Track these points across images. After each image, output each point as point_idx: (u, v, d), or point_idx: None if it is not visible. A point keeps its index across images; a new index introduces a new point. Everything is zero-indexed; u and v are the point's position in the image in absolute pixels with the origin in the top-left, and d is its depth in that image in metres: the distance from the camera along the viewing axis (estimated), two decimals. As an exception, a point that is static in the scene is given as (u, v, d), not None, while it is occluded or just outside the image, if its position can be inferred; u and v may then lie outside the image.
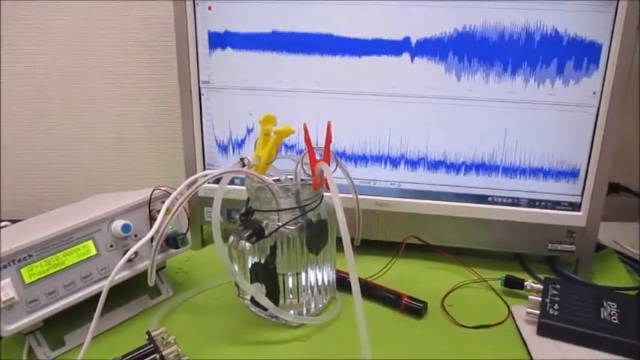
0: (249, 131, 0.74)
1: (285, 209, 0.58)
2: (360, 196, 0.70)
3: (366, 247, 0.72)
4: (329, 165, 0.59)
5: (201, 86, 0.73)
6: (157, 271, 0.66)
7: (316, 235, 0.60)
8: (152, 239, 0.58)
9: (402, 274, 0.71)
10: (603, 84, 0.64)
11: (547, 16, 0.63)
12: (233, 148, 0.75)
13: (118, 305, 0.64)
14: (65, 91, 0.90)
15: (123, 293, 0.63)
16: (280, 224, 0.57)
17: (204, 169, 0.76)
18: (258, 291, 0.58)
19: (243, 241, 0.56)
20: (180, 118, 0.75)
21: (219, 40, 0.71)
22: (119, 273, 0.58)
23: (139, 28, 0.86)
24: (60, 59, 0.89)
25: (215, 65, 0.72)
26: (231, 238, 0.57)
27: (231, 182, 0.66)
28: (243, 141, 0.75)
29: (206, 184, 0.75)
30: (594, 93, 0.65)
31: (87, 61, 0.89)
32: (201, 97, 0.74)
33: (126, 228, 0.59)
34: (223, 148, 0.75)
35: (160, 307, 0.65)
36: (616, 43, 0.62)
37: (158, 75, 0.88)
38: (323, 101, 0.71)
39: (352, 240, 0.67)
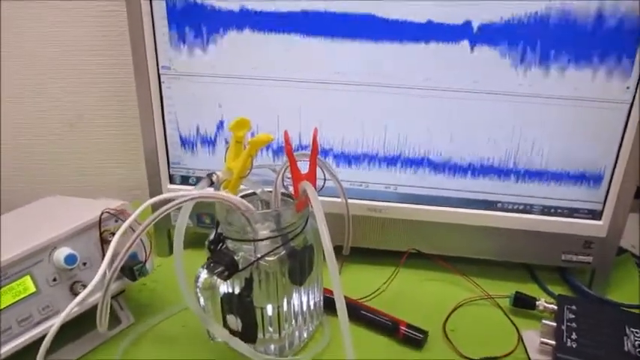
0: (219, 126, 0.63)
1: (263, 239, 0.48)
2: (350, 201, 0.60)
3: (357, 254, 0.64)
4: (315, 182, 0.49)
5: (160, 72, 0.61)
6: (114, 297, 0.57)
7: (301, 265, 0.51)
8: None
9: (400, 288, 0.63)
10: (640, 78, 0.54)
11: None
12: (201, 144, 0.64)
13: (69, 340, 0.54)
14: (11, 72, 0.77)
15: (73, 325, 0.54)
16: (257, 257, 0.48)
17: (169, 168, 0.65)
18: (231, 336, 0.49)
19: (213, 278, 0.47)
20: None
21: (181, 18, 0.58)
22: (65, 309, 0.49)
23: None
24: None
25: (176, 47, 0.60)
26: (199, 273, 0.48)
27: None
28: (212, 137, 0.63)
29: (171, 185, 0.66)
30: (628, 88, 0.55)
31: (34, 37, 0.75)
32: (162, 85, 0.62)
33: (71, 259, 0.49)
34: (190, 145, 0.64)
35: (121, 338, 0.56)
36: (659, 30, 0.52)
37: (113, 51, 0.75)
38: (306, 92, 0.60)
39: (340, 248, 0.59)
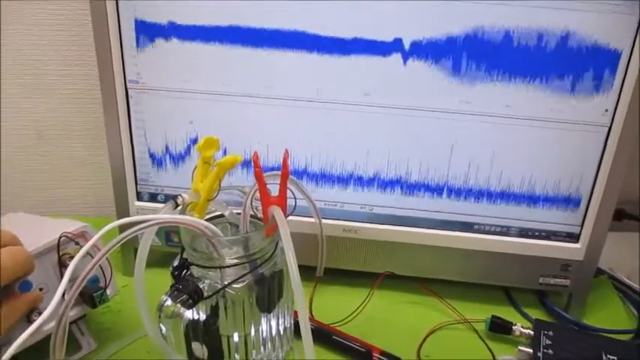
0: (190, 143, 0.61)
1: (230, 266, 0.46)
2: (325, 221, 0.58)
3: (332, 275, 0.62)
4: (285, 207, 0.47)
5: (128, 87, 0.59)
6: (74, 322, 0.54)
7: (270, 291, 0.49)
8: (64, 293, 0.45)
9: (374, 312, 0.61)
10: (618, 101, 0.53)
11: (556, 17, 0.51)
12: (171, 162, 0.62)
13: (24, 370, 0.51)
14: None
15: (29, 353, 0.51)
16: (224, 284, 0.46)
17: (136, 185, 0.63)
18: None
19: (177, 307, 0.45)
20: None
21: (149, 29, 0.56)
22: (18, 338, 0.46)
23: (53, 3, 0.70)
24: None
25: (145, 61, 0.58)
26: (162, 301, 0.45)
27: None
28: (182, 155, 0.61)
29: (138, 203, 0.64)
30: (606, 111, 0.54)
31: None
32: (129, 99, 0.59)
33: (25, 286, 0.47)
34: (159, 162, 0.62)
35: (80, 366, 0.53)
36: (637, 54, 0.51)
37: (80, 62, 0.72)
38: (279, 110, 0.58)
39: (314, 269, 0.57)
